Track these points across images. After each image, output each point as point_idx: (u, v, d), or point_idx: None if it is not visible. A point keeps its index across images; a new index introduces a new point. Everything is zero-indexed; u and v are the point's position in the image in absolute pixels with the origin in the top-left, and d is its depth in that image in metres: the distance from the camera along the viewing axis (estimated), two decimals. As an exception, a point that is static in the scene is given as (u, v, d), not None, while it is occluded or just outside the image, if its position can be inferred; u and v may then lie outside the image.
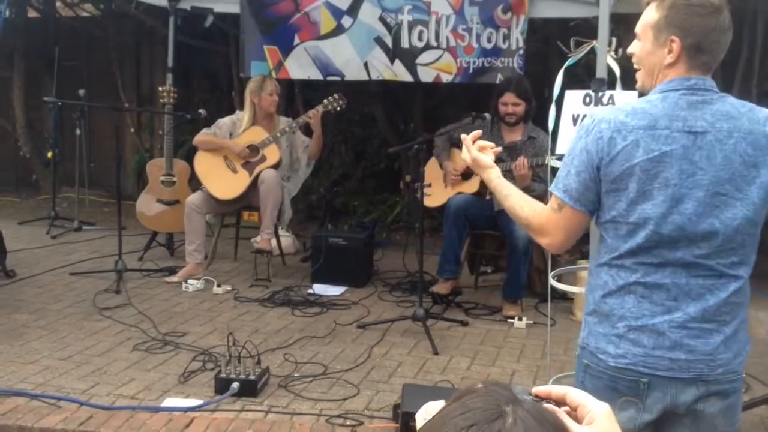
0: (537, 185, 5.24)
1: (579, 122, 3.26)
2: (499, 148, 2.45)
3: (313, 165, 6.36)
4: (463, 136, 2.42)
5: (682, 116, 2.02)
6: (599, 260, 2.14)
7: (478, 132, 2.42)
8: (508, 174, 5.22)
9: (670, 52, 2.06)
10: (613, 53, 3.50)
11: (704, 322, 2.04)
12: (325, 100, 5.89)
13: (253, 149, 5.82)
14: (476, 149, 2.36)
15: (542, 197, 5.28)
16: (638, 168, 2.00)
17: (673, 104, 2.03)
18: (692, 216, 2.00)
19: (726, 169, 1.99)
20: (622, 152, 2.01)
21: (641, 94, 2.28)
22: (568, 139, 3.28)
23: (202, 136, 5.94)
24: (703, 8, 2.03)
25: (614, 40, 3.55)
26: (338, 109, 5.93)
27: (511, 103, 5.31)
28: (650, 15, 2.09)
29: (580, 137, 2.09)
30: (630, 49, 2.21)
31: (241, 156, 5.79)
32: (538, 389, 1.02)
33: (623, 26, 6.05)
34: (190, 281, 5.64)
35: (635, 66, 2.19)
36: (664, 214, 2.00)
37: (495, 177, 2.33)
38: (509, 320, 5.08)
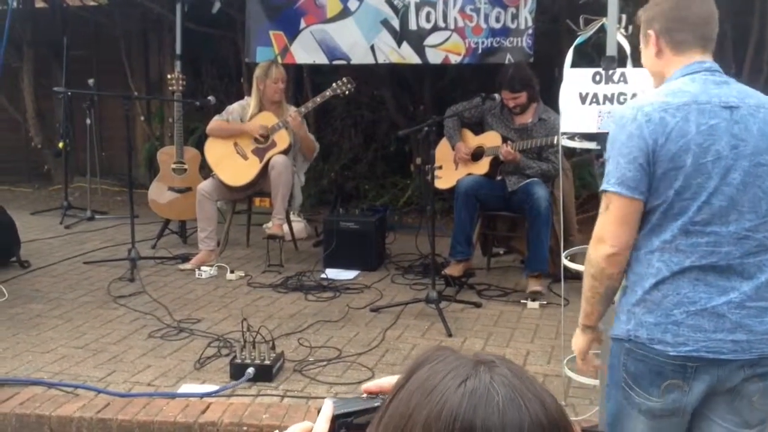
0: (534, 163, 5.25)
1: (589, 101, 3.24)
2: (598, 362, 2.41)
3: (310, 163, 6.33)
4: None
5: (716, 93, 2.09)
6: (649, 247, 2.11)
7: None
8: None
9: (652, 44, 2.22)
10: (623, 30, 3.46)
11: (759, 300, 2.06)
12: (334, 84, 5.87)
13: (264, 135, 5.82)
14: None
15: (544, 175, 5.32)
16: (693, 143, 2.03)
17: (703, 82, 2.11)
18: (740, 186, 2.05)
19: (763, 140, 2.07)
20: (675, 129, 2.04)
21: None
22: (573, 117, 3.27)
23: (215, 123, 5.94)
24: None
25: (624, 17, 3.51)
26: (347, 93, 5.91)
27: (509, 99, 5.30)
28: (641, 28, 2.30)
29: (623, 126, 2.09)
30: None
31: (261, 134, 5.76)
32: (367, 386, 1.04)
33: (633, 3, 6.00)
34: (204, 268, 5.66)
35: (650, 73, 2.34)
36: (717, 186, 2.04)
37: (581, 318, 2.30)
38: (531, 299, 5.03)
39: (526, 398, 0.86)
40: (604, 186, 2.12)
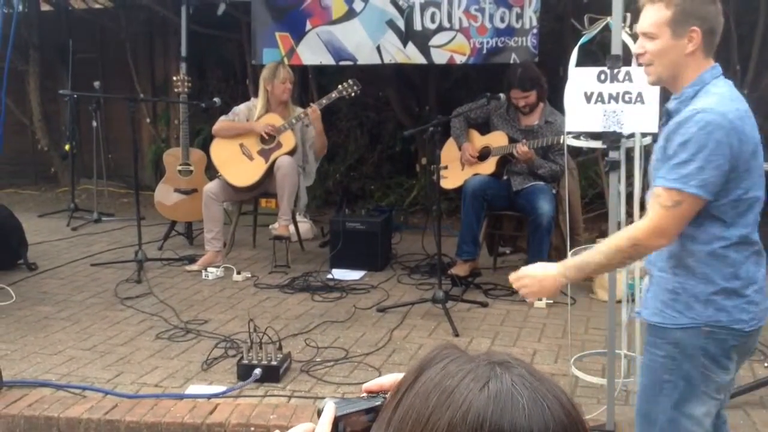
0: (546, 163, 5.26)
1: (594, 100, 3.24)
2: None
3: (320, 160, 6.34)
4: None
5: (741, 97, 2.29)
6: (725, 242, 2.25)
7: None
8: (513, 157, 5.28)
9: (690, 41, 2.25)
10: (627, 29, 3.46)
11: None
12: (339, 86, 5.87)
13: (270, 136, 5.83)
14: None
15: (554, 176, 5.33)
16: (757, 144, 2.25)
17: (732, 86, 2.30)
18: None
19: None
20: (749, 134, 2.22)
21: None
22: (578, 116, 3.27)
23: (221, 123, 5.95)
24: None
25: (629, 16, 3.51)
26: (353, 94, 5.91)
27: (519, 98, 5.30)
28: (661, 13, 2.26)
29: (710, 133, 2.17)
30: (637, 50, 2.37)
31: (267, 132, 5.78)
32: (367, 385, 1.05)
33: (637, 2, 5.99)
34: (210, 269, 5.67)
35: (646, 63, 2.33)
36: (763, 180, 2.30)
37: (569, 262, 2.38)
38: (539, 299, 5.03)
39: (547, 399, 0.87)
40: (681, 186, 2.19)
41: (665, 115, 2.37)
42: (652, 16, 2.28)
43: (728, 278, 2.25)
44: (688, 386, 2.29)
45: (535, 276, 2.40)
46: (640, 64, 2.50)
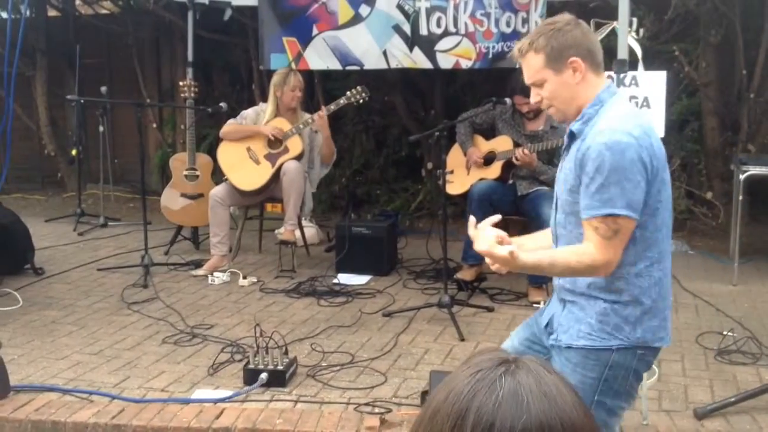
0: (550, 169, 5.26)
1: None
2: (514, 247, 2.15)
3: (329, 168, 6.34)
4: (471, 232, 2.23)
5: None
6: (649, 260, 2.26)
7: (491, 219, 2.21)
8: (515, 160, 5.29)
9: (575, 71, 2.28)
10: (634, 34, 3.47)
11: None
12: (348, 92, 5.88)
13: (276, 139, 5.84)
14: (491, 242, 2.14)
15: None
16: (664, 159, 2.26)
17: (628, 103, 2.39)
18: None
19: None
20: (657, 148, 2.23)
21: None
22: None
23: (229, 126, 5.96)
24: (570, 24, 2.30)
25: (635, 20, 3.52)
26: (361, 101, 5.93)
27: (523, 103, 5.30)
28: (535, 60, 2.31)
29: (622, 152, 2.16)
30: (533, 100, 2.41)
31: (275, 134, 5.79)
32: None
33: (644, 6, 6.01)
34: (216, 274, 5.67)
35: (546, 108, 2.39)
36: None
37: (525, 259, 2.17)
38: (535, 305, 5.07)
39: (533, 396, 0.90)
40: (610, 210, 2.17)
41: (569, 138, 2.35)
42: (530, 66, 2.34)
43: (654, 298, 2.28)
44: (615, 402, 2.33)
45: (499, 259, 2.18)
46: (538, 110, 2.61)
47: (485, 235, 2.16)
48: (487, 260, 2.19)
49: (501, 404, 0.89)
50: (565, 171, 2.34)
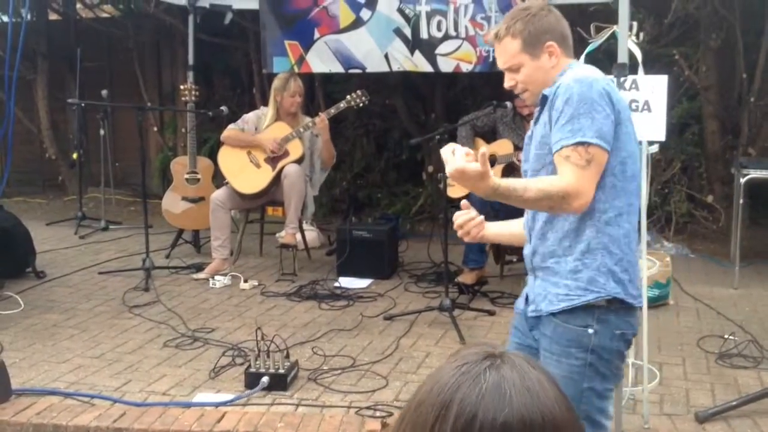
0: None
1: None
2: (485, 149, 2.18)
3: (328, 171, 6.35)
4: (443, 152, 2.18)
5: None
6: (618, 210, 2.24)
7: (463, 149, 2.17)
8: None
9: (551, 55, 2.33)
10: (634, 38, 3.47)
11: None
12: (348, 96, 5.90)
13: (275, 150, 5.85)
14: (460, 159, 2.11)
15: None
16: (627, 111, 2.27)
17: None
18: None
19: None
20: (621, 99, 2.25)
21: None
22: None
23: (230, 132, 5.98)
24: (544, 9, 2.35)
25: (635, 24, 3.52)
26: (361, 105, 5.94)
27: (524, 106, 5.31)
28: (512, 45, 2.33)
29: (591, 85, 2.19)
30: (507, 84, 2.43)
31: (275, 149, 5.81)
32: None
33: (644, 10, 6.01)
34: (217, 277, 5.68)
35: (520, 92, 2.41)
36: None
37: (498, 180, 2.17)
38: None
39: (516, 390, 0.93)
40: (581, 138, 2.15)
41: (541, 102, 2.34)
42: (506, 51, 2.35)
43: (623, 249, 2.25)
44: (604, 385, 2.31)
45: (471, 175, 2.18)
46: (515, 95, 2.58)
47: (457, 154, 2.13)
48: (454, 182, 2.19)
49: (484, 397, 0.92)
50: (534, 133, 2.37)
